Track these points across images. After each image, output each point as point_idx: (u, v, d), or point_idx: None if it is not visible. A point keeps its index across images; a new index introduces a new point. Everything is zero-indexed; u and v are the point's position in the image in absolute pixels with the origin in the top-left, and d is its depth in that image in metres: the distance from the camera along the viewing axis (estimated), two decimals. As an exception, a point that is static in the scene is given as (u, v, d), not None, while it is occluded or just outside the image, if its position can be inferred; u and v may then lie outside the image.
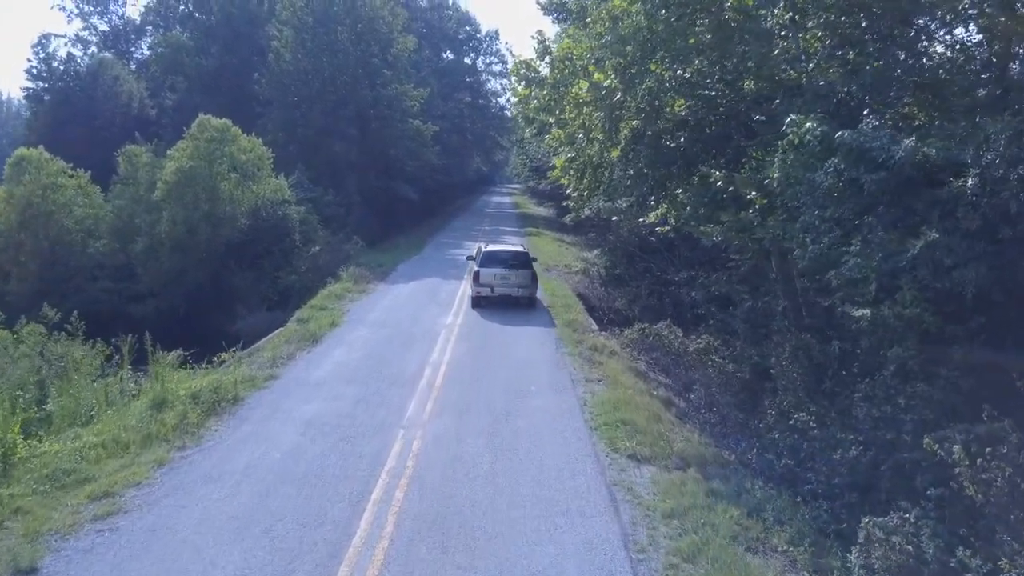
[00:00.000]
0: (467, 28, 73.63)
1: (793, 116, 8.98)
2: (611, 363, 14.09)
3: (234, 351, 13.38)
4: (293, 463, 9.03)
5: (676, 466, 9.27)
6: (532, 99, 15.53)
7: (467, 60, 75.32)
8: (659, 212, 16.94)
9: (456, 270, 27.37)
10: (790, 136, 8.90)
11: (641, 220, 18.81)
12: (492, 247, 21.07)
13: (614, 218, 22.34)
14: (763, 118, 14.21)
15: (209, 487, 8.38)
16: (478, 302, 19.34)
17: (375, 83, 39.48)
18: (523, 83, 14.96)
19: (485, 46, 75.73)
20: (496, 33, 76.03)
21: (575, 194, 17.09)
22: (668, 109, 14.47)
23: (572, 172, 16.22)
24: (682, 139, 15.00)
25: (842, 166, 8.67)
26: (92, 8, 66.77)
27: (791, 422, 9.07)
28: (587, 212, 26.94)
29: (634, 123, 14.63)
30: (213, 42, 46.64)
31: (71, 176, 27.53)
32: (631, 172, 15.54)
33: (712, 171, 13.20)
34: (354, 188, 38.53)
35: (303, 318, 17.89)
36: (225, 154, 26.04)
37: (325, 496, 8.14)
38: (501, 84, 78.23)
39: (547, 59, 15.28)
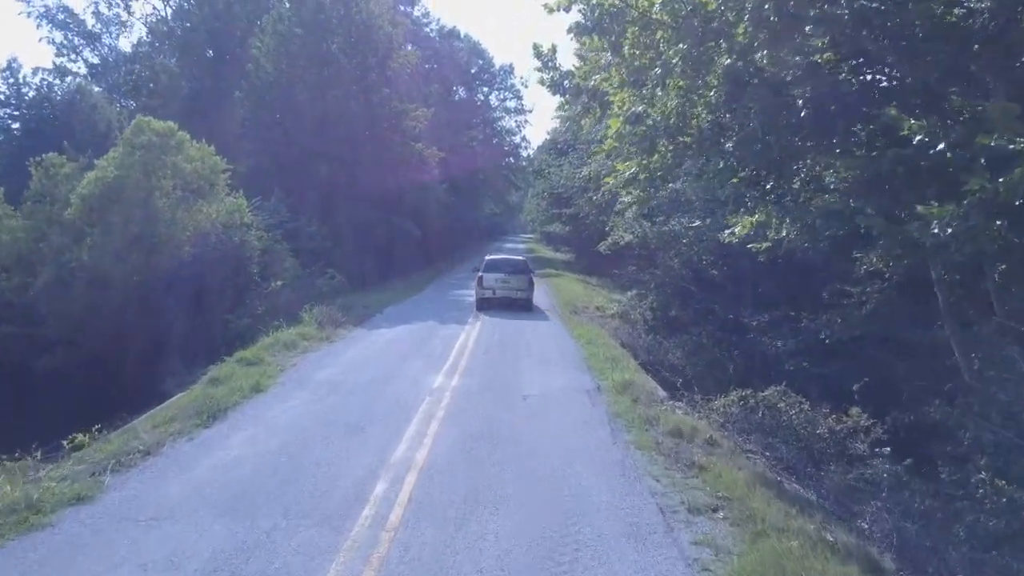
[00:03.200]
0: (479, 62, 69.28)
1: None
2: (720, 466, 7.79)
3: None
4: None
5: None
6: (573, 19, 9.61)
7: (479, 96, 70.78)
8: (752, 221, 10.90)
9: (459, 312, 21.29)
10: None
11: (727, 233, 12.70)
12: (494, 256, 23.88)
13: (690, 217, 16.30)
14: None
15: None
16: (482, 304, 21.26)
17: (371, 99, 34.23)
18: (556, -15, 9.19)
19: (499, 81, 71.33)
20: (510, 67, 71.85)
21: (642, 177, 10.92)
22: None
23: (636, 141, 10.17)
24: (808, 91, 9.07)
25: None
26: (84, 42, 63.32)
27: None
28: (629, 237, 21.02)
29: (734, 61, 8.75)
30: (195, 63, 41.94)
31: (-19, 194, 22.04)
32: (730, 145, 9.55)
33: (909, 121, 7.13)
34: (344, 219, 32.87)
35: (219, 377, 11.78)
36: (167, 164, 20.43)
37: None
38: (516, 121, 73.61)
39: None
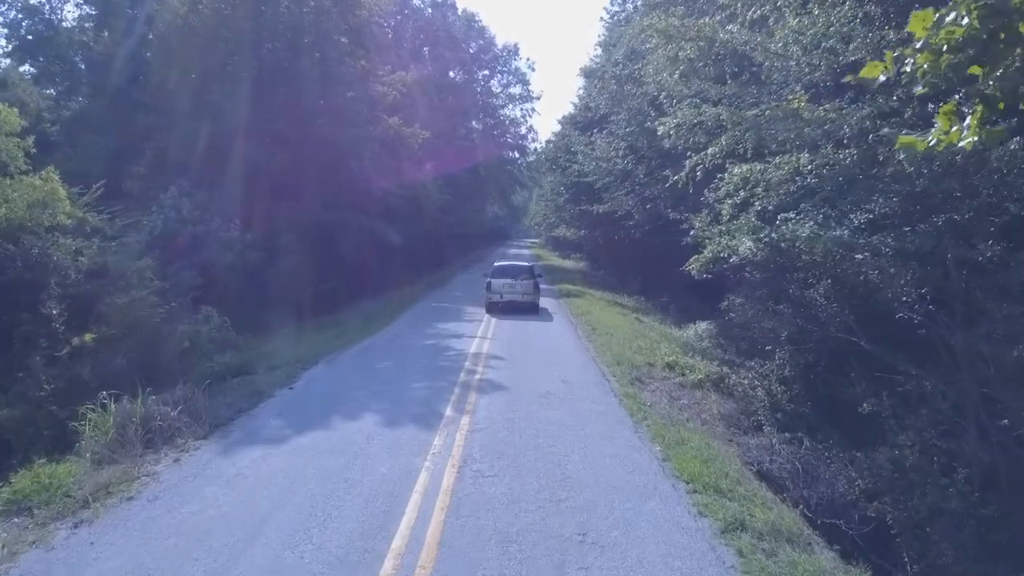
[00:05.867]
0: (479, 41, 59.81)
1: None
2: None
3: None
4: None
5: None
6: None
7: (479, 80, 61.26)
8: None
9: (433, 383, 11.72)
10: None
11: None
12: (501, 263, 25.77)
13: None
14: None
15: None
16: (491, 308, 21.75)
17: (328, 56, 24.77)
18: None
19: (502, 63, 61.80)
20: (515, 48, 62.23)
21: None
22: None
23: None
24: None
25: None
26: (22, 16, 54.17)
27: None
28: (748, 247, 11.40)
29: None
30: (112, 24, 32.51)
31: None
32: None
33: None
34: (287, 221, 23.44)
35: None
36: None
37: None
38: (521, 110, 64.10)
39: None
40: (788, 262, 11.81)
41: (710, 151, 12.00)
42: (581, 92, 38.13)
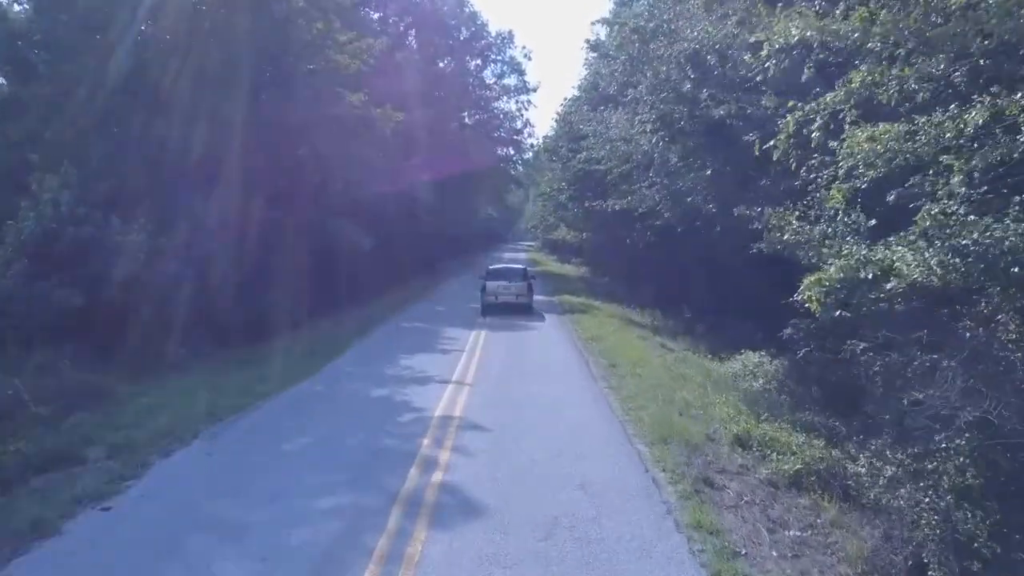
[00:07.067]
0: (471, 27, 54.72)
1: None
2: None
3: None
4: None
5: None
6: None
7: (471, 70, 56.21)
8: None
9: (367, 504, 6.51)
10: None
11: None
12: (496, 265, 26.78)
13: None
14: None
15: None
16: (486, 309, 22.38)
17: (275, 15, 19.70)
18: None
19: (495, 52, 56.68)
20: (509, 35, 57.11)
21: None
22: None
23: None
24: None
25: None
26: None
27: None
28: (915, 269, 6.20)
29: None
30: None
31: None
32: None
33: None
34: (215, 222, 18.36)
35: None
36: None
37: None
38: (517, 103, 58.96)
39: None
40: (962, 290, 6.83)
41: (829, 98, 7.05)
42: (586, 72, 33.08)
